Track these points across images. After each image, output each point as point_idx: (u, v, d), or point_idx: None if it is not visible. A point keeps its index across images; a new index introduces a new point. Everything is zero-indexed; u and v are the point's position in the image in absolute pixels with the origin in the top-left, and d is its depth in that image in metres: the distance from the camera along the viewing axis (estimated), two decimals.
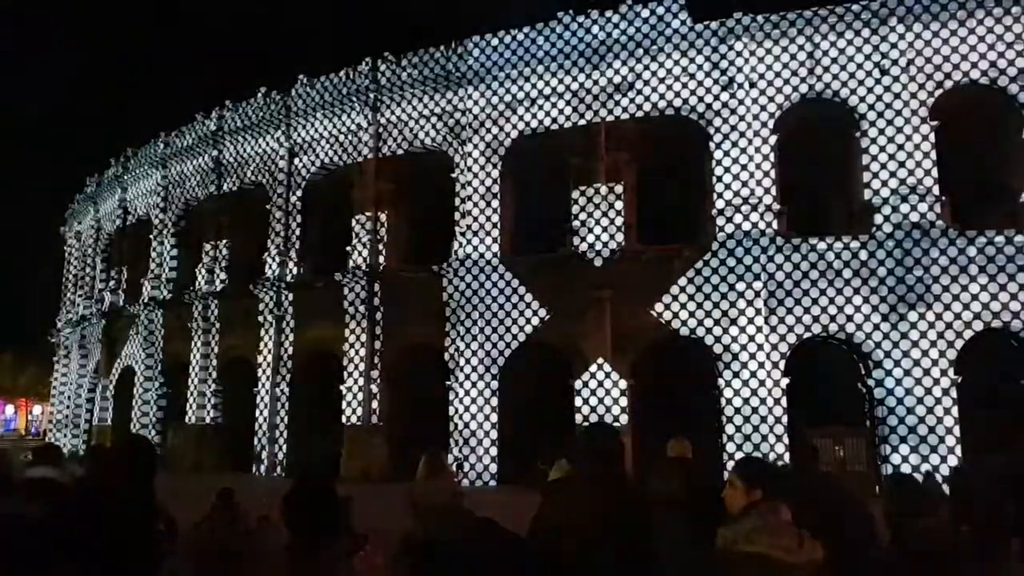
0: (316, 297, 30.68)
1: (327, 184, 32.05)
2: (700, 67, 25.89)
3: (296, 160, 32.73)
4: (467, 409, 26.73)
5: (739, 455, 22.64)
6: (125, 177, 41.49)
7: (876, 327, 23.42)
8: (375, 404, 28.74)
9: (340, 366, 29.38)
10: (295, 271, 31.75)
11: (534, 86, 27.80)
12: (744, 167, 24.86)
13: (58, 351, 49.24)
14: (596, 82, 26.90)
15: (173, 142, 38.19)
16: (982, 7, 23.90)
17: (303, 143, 32.62)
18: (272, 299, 31.56)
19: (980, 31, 23.89)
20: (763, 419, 23.41)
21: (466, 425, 26.61)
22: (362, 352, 28.98)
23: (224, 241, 34.51)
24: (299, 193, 32.42)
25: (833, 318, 23.73)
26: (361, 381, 28.77)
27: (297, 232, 32.17)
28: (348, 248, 29.97)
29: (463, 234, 27.86)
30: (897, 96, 24.14)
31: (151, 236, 38.14)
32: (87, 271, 45.67)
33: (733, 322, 24.17)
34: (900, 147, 23.89)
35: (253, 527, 9.09)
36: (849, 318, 23.64)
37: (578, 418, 24.97)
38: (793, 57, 25.13)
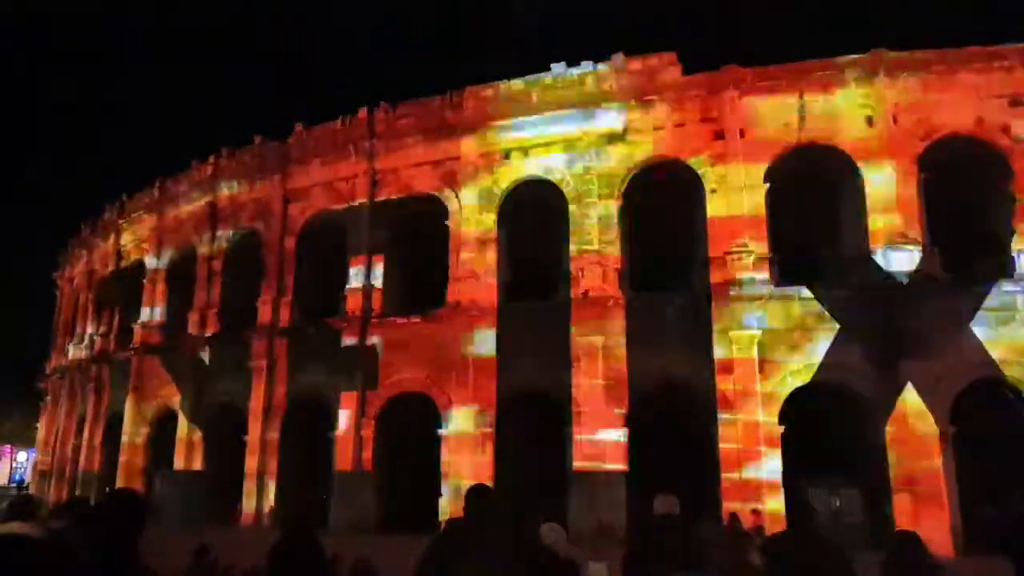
0: (309, 343, 30.46)
1: (321, 230, 32.10)
2: (691, 117, 26.23)
3: (291, 206, 32.86)
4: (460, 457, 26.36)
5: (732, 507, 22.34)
6: (120, 222, 41.52)
7: (869, 376, 23.33)
8: (365, 451, 28.34)
9: (330, 413, 29.06)
10: (288, 317, 31.59)
11: (528, 135, 28.11)
12: (736, 216, 25.04)
13: (46, 396, 48.59)
14: (589, 131, 27.20)
15: (169, 188, 38.34)
16: (965, 62, 24.38)
17: (298, 189, 32.81)
18: (264, 345, 31.30)
19: (965, 84, 24.33)
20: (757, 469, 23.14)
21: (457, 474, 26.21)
22: (353, 398, 28.68)
23: (217, 286, 34.46)
24: (293, 239, 32.48)
25: (826, 367, 23.64)
26: (352, 428, 28.44)
27: (290, 278, 32.10)
28: (341, 294, 29.90)
29: (457, 280, 27.85)
30: (886, 147, 24.44)
31: (143, 281, 38.01)
32: (78, 315, 45.33)
33: (726, 370, 24.06)
34: (890, 197, 24.10)
35: None
36: (842, 367, 23.57)
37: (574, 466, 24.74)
38: (783, 108, 25.49)
